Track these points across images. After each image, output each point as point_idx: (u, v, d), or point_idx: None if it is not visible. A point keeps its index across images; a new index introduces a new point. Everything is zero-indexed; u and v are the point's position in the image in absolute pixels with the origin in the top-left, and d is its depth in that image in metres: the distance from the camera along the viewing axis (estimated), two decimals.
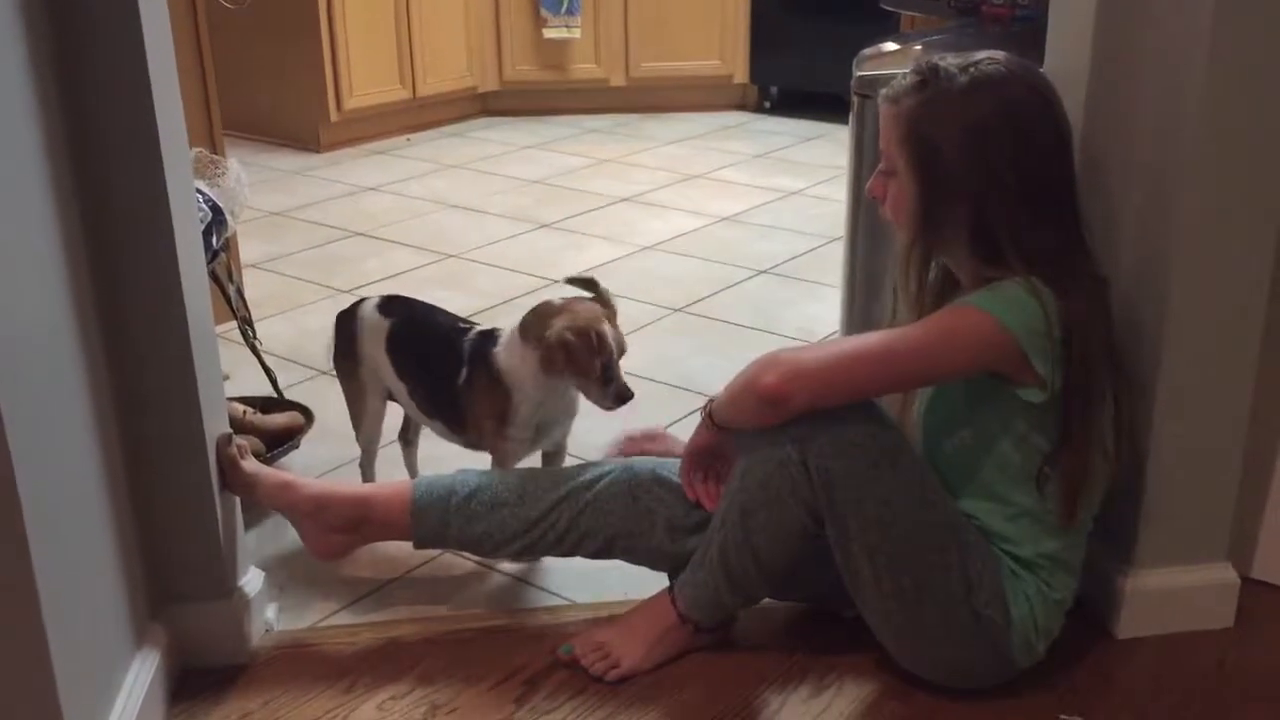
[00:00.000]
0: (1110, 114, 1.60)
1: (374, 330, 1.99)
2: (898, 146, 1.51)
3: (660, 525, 1.68)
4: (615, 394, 1.81)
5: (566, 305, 1.83)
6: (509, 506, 1.70)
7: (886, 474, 1.49)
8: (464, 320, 2.01)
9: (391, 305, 2.02)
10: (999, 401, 1.50)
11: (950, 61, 1.49)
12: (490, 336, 1.91)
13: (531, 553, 1.76)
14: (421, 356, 1.98)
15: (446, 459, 2.11)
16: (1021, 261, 1.47)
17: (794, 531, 1.54)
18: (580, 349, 1.77)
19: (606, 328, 1.80)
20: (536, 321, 1.82)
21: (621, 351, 1.82)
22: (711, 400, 1.65)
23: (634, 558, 1.72)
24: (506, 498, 1.70)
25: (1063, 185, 1.51)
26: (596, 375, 1.79)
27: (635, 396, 1.82)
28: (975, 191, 1.47)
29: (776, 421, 1.52)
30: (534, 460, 1.98)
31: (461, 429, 1.95)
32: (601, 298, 1.86)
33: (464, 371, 1.89)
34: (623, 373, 1.82)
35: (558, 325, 1.78)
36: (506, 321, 2.00)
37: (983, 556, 1.52)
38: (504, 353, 1.86)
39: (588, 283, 1.88)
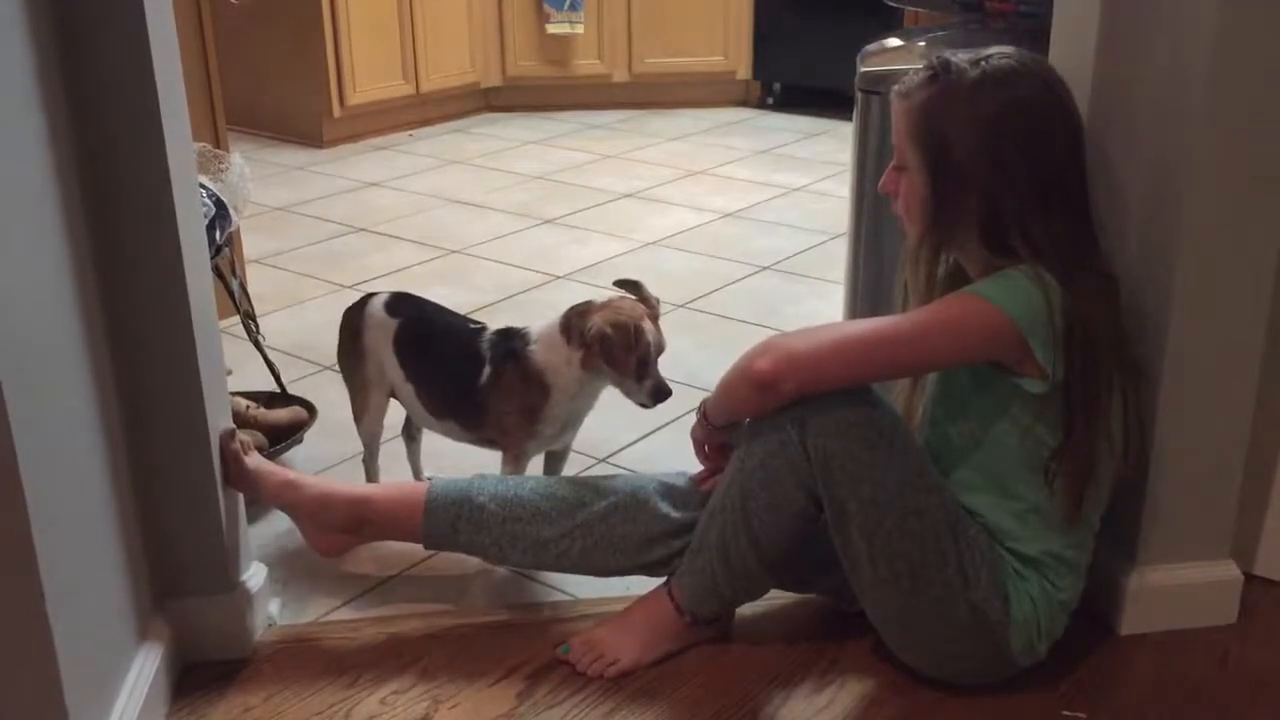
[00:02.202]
0: (1115, 107, 1.59)
1: (381, 328, 1.99)
2: (909, 141, 1.51)
3: (663, 535, 1.69)
4: (652, 390, 1.82)
5: (608, 303, 1.86)
6: (521, 522, 1.69)
7: (884, 456, 1.49)
8: (473, 320, 2.02)
9: (400, 304, 2.02)
10: (1003, 392, 1.50)
11: (962, 56, 1.49)
12: (514, 334, 1.91)
13: (538, 568, 1.77)
14: (431, 356, 1.98)
15: (449, 454, 2.12)
16: (1031, 253, 1.47)
17: (793, 514, 1.54)
18: (617, 343, 1.79)
19: (646, 324, 1.81)
20: (578, 319, 1.84)
21: (660, 350, 1.84)
22: (706, 400, 1.65)
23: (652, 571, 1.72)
24: (520, 513, 1.70)
25: (1074, 180, 1.50)
26: (631, 371, 1.80)
27: (673, 394, 1.83)
28: (986, 185, 1.47)
29: (769, 408, 1.52)
30: (536, 460, 1.99)
31: (479, 427, 1.95)
32: (645, 298, 1.88)
33: (486, 370, 1.89)
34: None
35: (597, 319, 1.80)
36: (508, 317, 2.00)
37: (982, 551, 1.52)
38: (541, 350, 1.87)
39: (633, 284, 1.90)
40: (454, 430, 1.99)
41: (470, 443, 1.99)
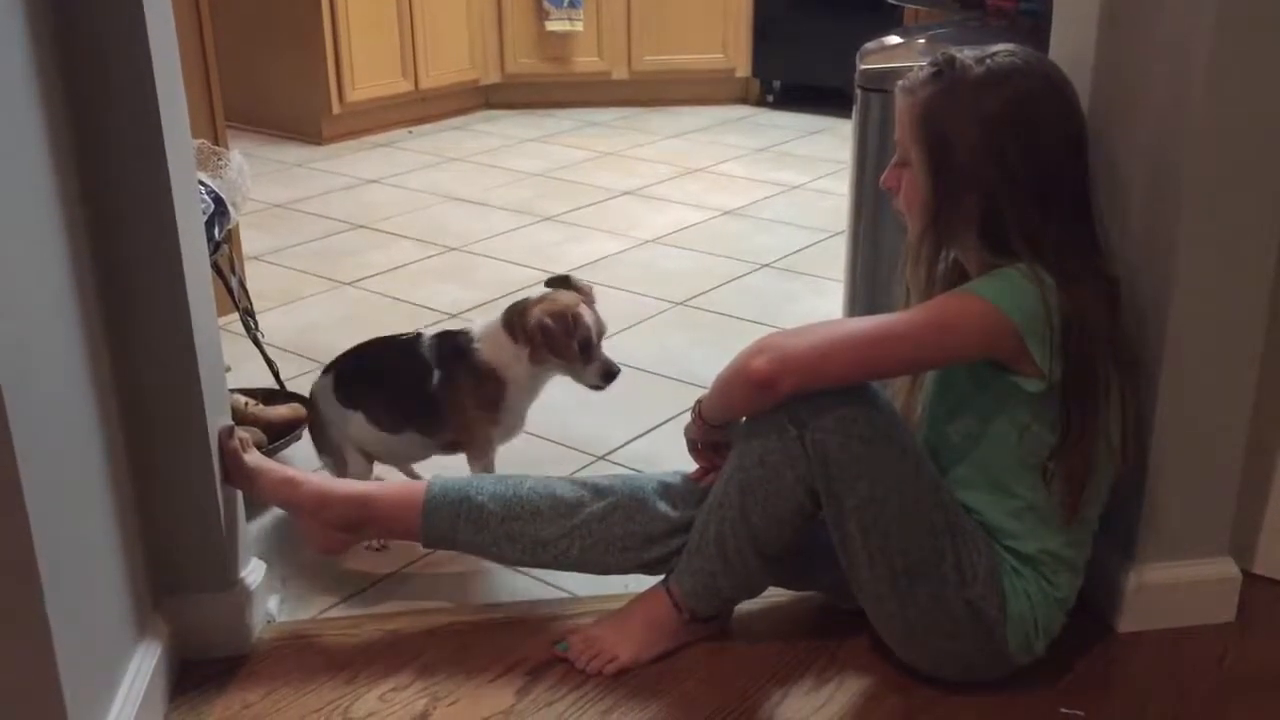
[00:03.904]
0: (1115, 105, 1.59)
1: (323, 390, 2.01)
2: (912, 137, 1.51)
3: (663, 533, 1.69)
4: (600, 372, 1.88)
5: (544, 297, 1.92)
6: (521, 521, 1.69)
7: (882, 452, 1.49)
8: (405, 333, 2.04)
9: (336, 359, 2.05)
10: (1001, 390, 1.50)
11: (967, 53, 1.49)
12: (454, 334, 1.96)
13: (536, 567, 1.78)
14: (374, 379, 2.00)
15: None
16: (1029, 253, 1.47)
17: (791, 509, 1.54)
18: (558, 332, 1.84)
19: (584, 309, 1.87)
20: (519, 316, 1.89)
21: (601, 332, 1.90)
22: (701, 399, 1.66)
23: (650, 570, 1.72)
24: (519, 512, 1.69)
25: (1075, 180, 1.50)
26: (576, 356, 1.86)
27: (621, 372, 1.89)
28: (987, 184, 1.47)
29: (765, 407, 1.52)
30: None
31: (441, 431, 1.96)
32: (577, 287, 1.94)
33: (436, 374, 1.93)
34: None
35: (536, 312, 1.86)
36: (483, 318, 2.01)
37: (979, 549, 1.52)
38: (487, 348, 1.92)
39: (562, 279, 1.97)
40: (415, 442, 1.99)
41: (435, 452, 2.01)
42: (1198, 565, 1.72)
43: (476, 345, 1.92)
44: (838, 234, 3.17)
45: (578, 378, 1.90)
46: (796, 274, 3.30)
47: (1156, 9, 1.53)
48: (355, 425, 1.98)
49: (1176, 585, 1.71)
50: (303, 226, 3.73)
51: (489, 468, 1.97)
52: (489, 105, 5.34)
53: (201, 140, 2.22)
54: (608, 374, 1.88)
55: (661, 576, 1.69)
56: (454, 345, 1.94)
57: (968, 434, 1.56)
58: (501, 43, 5.19)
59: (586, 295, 1.92)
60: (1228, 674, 1.66)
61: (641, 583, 1.72)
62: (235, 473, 1.65)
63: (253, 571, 1.71)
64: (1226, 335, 1.61)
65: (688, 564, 1.64)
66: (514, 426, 1.98)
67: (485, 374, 1.90)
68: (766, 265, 3.37)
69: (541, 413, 2.40)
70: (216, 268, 2.15)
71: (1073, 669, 1.64)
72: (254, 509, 1.88)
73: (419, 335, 1.99)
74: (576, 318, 1.85)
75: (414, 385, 1.93)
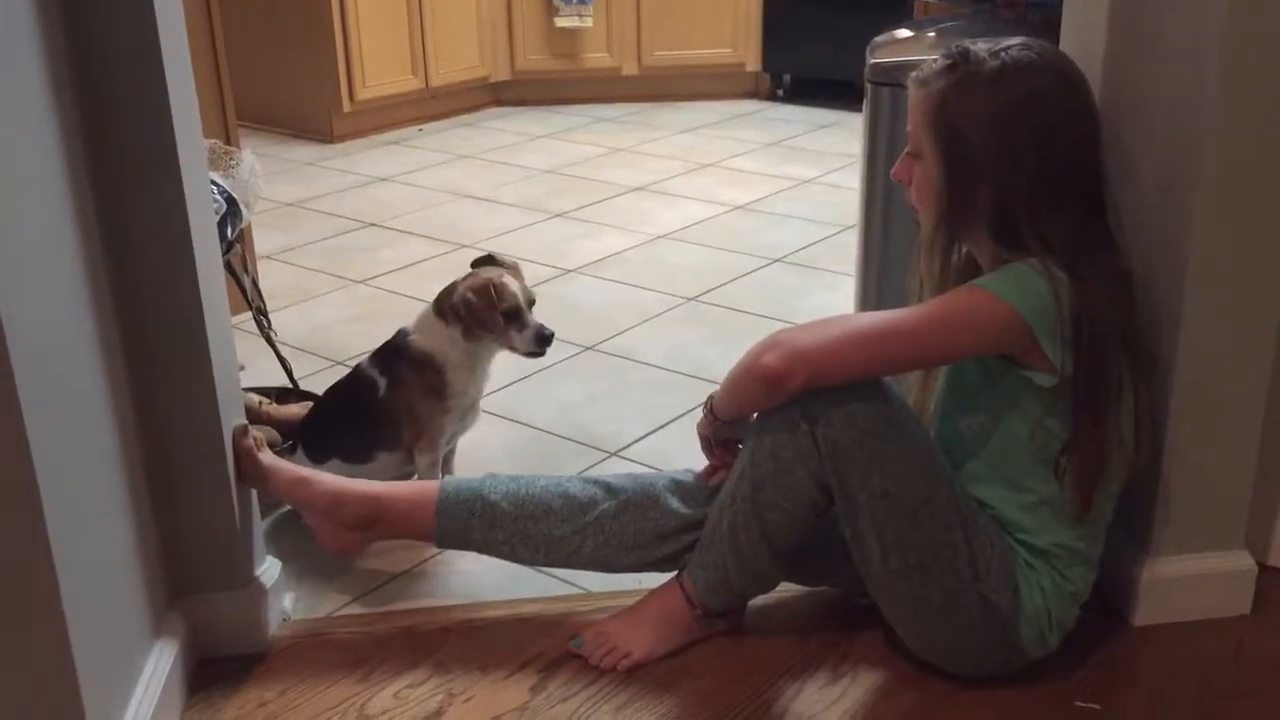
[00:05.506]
0: (1127, 97, 1.59)
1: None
2: (925, 129, 1.51)
3: (674, 531, 1.69)
4: (533, 338, 1.93)
5: (468, 275, 1.97)
6: (533, 520, 1.69)
7: (894, 447, 1.49)
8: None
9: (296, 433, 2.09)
10: (1012, 385, 1.50)
11: (981, 46, 1.48)
12: (394, 336, 2.00)
13: (550, 566, 1.78)
14: (335, 421, 2.03)
15: (457, 453, 2.11)
16: (1041, 248, 1.46)
17: (804, 505, 1.54)
18: (482, 305, 1.89)
19: (507, 279, 1.92)
20: (446, 297, 1.94)
21: (530, 301, 1.94)
22: (713, 395, 1.66)
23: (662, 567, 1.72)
24: (532, 511, 1.69)
25: (1088, 175, 1.50)
26: (502, 326, 1.90)
27: (555, 335, 1.95)
28: (999, 177, 1.46)
29: (776, 403, 1.52)
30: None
31: (394, 433, 1.98)
32: (501, 262, 1.99)
33: (382, 383, 1.96)
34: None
35: (460, 289, 1.91)
36: None
37: (992, 542, 1.52)
38: (421, 337, 1.96)
39: (487, 258, 2.02)
40: (390, 463, 2.00)
41: (409, 464, 2.01)
42: (1212, 558, 1.71)
43: (412, 337, 1.97)
44: (849, 228, 3.17)
45: (513, 348, 1.95)
46: (808, 269, 3.30)
47: (1166, 2, 1.52)
48: (334, 472, 1.96)
49: (1191, 578, 1.70)
50: (314, 225, 3.73)
51: (437, 462, 1.99)
52: (499, 102, 5.35)
53: (213, 140, 2.23)
54: (540, 339, 1.93)
55: (674, 573, 1.70)
56: (393, 346, 1.99)
57: (980, 429, 1.55)
58: (511, 39, 5.19)
59: (512, 269, 1.98)
60: (1243, 667, 1.65)
61: (654, 579, 1.73)
62: (250, 472, 1.66)
63: (268, 570, 1.71)
64: (1240, 328, 1.60)
65: (700, 559, 1.64)
66: (467, 412, 2.01)
67: (423, 362, 1.95)
68: (778, 260, 3.36)
69: (554, 409, 2.41)
70: (229, 267, 2.16)
71: (1087, 663, 1.64)
72: (268, 507, 1.89)
73: (359, 364, 2.04)
74: (500, 288, 1.90)
75: (369, 405, 1.97)
